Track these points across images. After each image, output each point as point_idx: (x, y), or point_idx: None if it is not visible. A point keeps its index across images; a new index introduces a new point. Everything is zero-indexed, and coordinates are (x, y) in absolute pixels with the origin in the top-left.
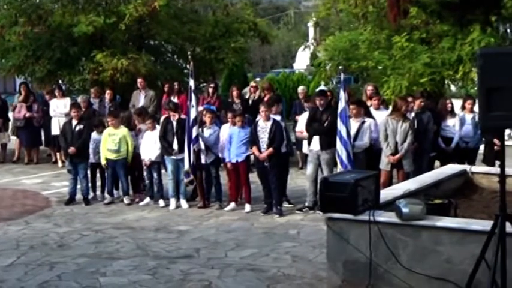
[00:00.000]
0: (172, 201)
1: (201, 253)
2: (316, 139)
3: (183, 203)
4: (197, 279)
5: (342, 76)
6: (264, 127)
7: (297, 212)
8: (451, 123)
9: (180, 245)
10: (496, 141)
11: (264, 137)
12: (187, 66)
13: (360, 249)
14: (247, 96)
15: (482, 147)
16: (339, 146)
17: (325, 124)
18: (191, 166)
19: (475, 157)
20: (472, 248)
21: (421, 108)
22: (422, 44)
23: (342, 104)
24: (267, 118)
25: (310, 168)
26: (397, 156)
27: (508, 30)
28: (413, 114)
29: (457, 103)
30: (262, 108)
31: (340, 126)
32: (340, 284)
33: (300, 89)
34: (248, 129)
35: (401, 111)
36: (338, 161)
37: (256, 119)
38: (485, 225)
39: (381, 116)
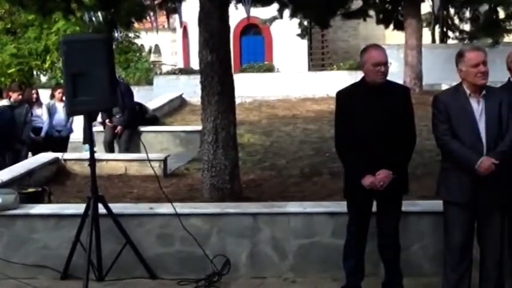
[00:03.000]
0: None
1: None
2: None
3: None
4: None
5: None
6: None
7: None
8: (39, 112)
9: None
10: (107, 122)
11: None
12: None
13: None
14: None
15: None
16: None
17: None
18: None
19: (67, 145)
20: (67, 232)
21: (19, 101)
22: (8, 35)
23: None
24: None
25: None
26: None
27: (93, 19)
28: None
29: (47, 92)
30: None
31: None
32: None
33: None
34: None
35: None
36: None
37: None
38: (79, 208)
39: None
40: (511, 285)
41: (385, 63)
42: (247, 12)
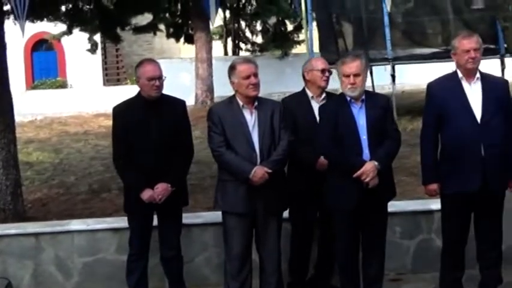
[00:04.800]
0: None
1: None
2: None
3: None
4: None
5: None
6: None
7: None
8: None
9: None
10: None
11: None
12: None
13: None
14: None
15: None
16: None
17: None
18: None
19: None
20: None
21: None
22: None
23: None
24: None
25: None
26: None
27: None
28: None
29: None
30: None
31: None
32: None
33: None
34: None
35: None
36: None
37: None
38: None
39: None
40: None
41: (160, 78)
42: (22, 28)
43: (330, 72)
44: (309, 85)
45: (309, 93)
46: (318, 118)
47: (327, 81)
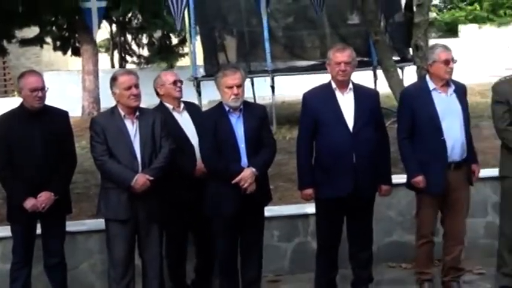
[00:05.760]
0: None
1: None
2: None
3: None
4: None
5: None
6: None
7: None
8: None
9: None
10: None
11: None
12: None
13: None
14: None
15: None
16: None
17: None
18: None
19: None
20: None
21: None
22: None
23: None
24: None
25: None
26: None
27: None
28: None
29: None
30: None
31: None
32: None
33: None
34: None
35: None
36: None
37: None
38: None
39: None
40: None
41: (42, 89)
42: None
43: (181, 82)
44: (164, 98)
45: (169, 106)
46: (183, 128)
47: (181, 91)
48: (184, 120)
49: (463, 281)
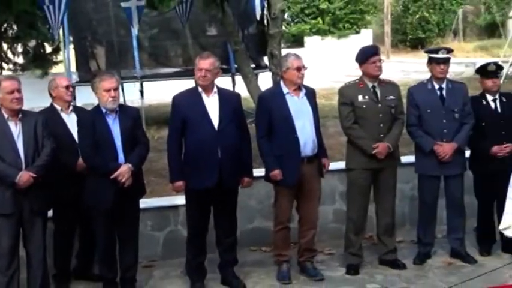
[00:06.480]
0: None
1: None
2: None
3: None
4: None
5: None
6: None
7: None
8: None
9: None
10: None
11: None
12: None
13: None
14: None
15: None
16: None
17: None
18: None
19: None
20: None
21: None
22: None
23: None
24: None
25: None
26: None
27: None
28: None
29: None
30: None
31: None
32: None
33: None
34: None
35: None
36: None
37: None
38: None
39: None
40: None
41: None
42: None
43: (74, 87)
44: (56, 100)
45: (58, 107)
46: (69, 128)
47: (71, 95)
48: (71, 121)
49: (316, 260)
